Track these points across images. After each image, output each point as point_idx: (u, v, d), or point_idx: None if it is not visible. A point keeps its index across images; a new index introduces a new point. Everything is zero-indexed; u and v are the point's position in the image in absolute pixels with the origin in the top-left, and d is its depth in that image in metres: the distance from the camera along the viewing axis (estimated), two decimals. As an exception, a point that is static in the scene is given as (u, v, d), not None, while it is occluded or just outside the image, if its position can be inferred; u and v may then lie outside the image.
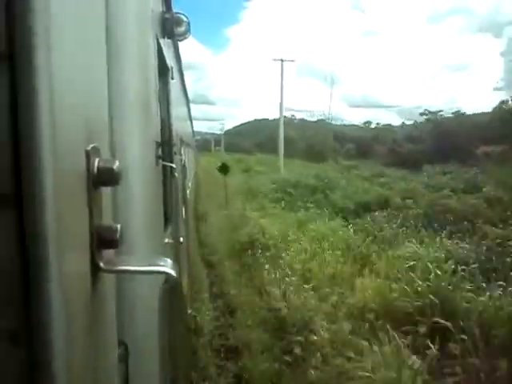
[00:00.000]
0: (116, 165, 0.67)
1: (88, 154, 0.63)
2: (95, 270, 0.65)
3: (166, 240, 2.15)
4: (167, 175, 2.20)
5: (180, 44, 3.49)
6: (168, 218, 2.21)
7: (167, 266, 0.75)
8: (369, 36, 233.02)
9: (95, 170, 0.64)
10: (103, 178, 0.66)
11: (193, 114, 16.31)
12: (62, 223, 0.52)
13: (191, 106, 13.78)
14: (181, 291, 0.87)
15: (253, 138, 73.21)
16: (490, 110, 45.31)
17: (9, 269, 0.49)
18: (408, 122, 59.33)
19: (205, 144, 75.08)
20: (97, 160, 0.65)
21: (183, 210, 3.21)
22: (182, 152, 3.47)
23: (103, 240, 0.66)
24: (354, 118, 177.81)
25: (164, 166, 2.07)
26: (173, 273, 0.74)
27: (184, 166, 3.31)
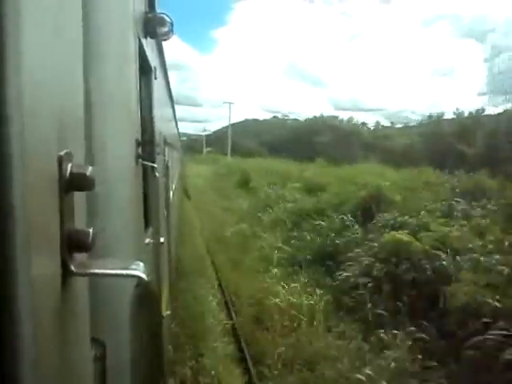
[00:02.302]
0: (89, 170, 0.67)
1: (60, 160, 0.63)
2: (66, 273, 0.65)
3: (147, 240, 2.13)
4: (148, 175, 2.19)
5: (167, 45, 3.48)
6: (149, 218, 2.19)
7: (139, 270, 0.76)
8: (355, 40, 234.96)
9: (67, 175, 0.64)
10: (76, 184, 0.66)
11: (179, 115, 16.22)
12: (31, 227, 0.52)
13: (177, 107, 13.76)
14: (153, 294, 0.88)
15: (247, 138, 71.57)
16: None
17: None
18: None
19: (193, 144, 73.21)
20: (69, 165, 0.65)
21: (165, 210, 3.20)
22: (166, 153, 3.45)
23: (75, 244, 0.66)
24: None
25: (145, 166, 2.05)
26: (144, 276, 0.75)
27: (167, 166, 3.29)
